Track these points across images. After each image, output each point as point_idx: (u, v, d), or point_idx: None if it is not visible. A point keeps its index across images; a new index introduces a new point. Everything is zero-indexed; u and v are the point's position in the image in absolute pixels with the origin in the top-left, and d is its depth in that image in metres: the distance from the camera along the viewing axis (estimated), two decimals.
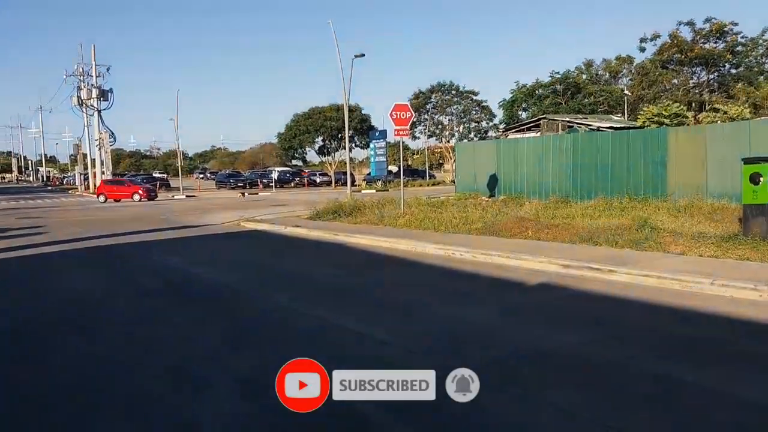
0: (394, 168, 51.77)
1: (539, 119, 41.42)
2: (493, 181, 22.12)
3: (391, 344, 5.51)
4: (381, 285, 8.67)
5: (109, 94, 54.17)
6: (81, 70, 53.95)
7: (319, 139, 56.36)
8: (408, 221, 14.99)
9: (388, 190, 37.54)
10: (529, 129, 40.72)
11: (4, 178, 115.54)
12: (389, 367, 4.42)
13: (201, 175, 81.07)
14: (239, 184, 53.65)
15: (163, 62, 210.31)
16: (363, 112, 55.79)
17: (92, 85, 53.35)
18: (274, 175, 53.33)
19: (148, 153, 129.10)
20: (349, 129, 32.16)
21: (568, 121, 38.37)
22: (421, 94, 58.10)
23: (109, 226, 18.60)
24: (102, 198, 38.24)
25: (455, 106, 58.98)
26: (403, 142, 19.74)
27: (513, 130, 42.68)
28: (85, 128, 56.68)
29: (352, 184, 31.96)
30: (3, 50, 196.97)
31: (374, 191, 37.71)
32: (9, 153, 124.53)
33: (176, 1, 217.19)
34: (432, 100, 58.71)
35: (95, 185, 53.79)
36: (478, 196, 21.67)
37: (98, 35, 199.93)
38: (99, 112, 53.54)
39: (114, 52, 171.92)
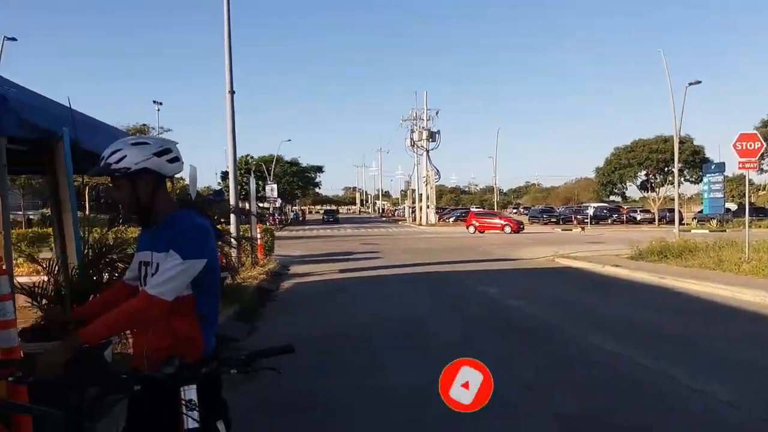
0: (731, 205, 45.05)
1: None
2: None
3: (739, 408, 4.75)
4: (719, 337, 7.55)
5: (437, 135, 60.36)
6: (414, 114, 61.36)
7: (642, 173, 52.63)
8: (754, 267, 12.84)
9: (724, 231, 32.75)
10: None
11: (350, 209, 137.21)
12: None
13: (515, 210, 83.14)
14: (552, 220, 53.33)
15: (484, 101, 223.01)
16: (695, 143, 50.28)
17: (423, 127, 60.05)
18: (590, 211, 51.53)
19: (466, 189, 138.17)
20: (678, 162, 29.27)
21: None
22: None
23: (432, 255, 20.51)
24: (471, 229, 39.55)
25: None
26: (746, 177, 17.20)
27: None
28: (415, 166, 64.08)
29: (680, 222, 28.76)
30: (353, 103, 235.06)
31: (707, 231, 33.28)
32: (354, 188, 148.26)
33: (492, 47, 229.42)
34: None
35: (420, 217, 59.71)
36: None
37: (430, 81, 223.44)
38: (427, 152, 59.96)
39: (441, 95, 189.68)
